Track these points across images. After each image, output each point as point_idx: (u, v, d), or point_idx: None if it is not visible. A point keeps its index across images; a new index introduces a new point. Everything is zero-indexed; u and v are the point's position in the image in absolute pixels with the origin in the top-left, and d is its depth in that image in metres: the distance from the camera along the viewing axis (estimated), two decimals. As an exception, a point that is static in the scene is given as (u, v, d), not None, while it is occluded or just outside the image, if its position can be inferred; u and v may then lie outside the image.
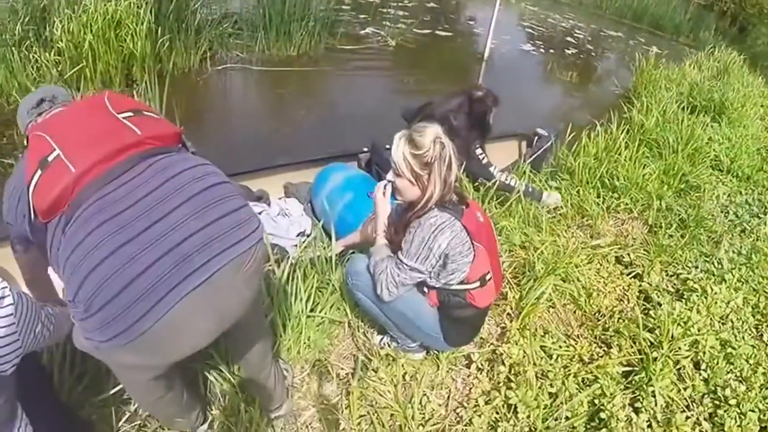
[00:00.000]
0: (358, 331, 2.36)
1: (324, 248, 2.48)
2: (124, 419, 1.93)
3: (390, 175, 1.92)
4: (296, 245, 2.78)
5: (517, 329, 2.46)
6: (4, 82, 4.75)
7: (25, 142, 1.41)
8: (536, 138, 4.09)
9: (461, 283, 1.92)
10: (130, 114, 1.38)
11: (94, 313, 1.16)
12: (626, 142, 4.29)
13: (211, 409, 1.98)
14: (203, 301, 1.24)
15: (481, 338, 2.43)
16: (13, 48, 4.97)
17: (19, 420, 1.31)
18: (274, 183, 3.44)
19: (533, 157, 3.87)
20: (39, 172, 1.25)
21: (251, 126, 5.38)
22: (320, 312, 2.34)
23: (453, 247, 1.82)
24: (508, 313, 2.64)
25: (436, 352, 2.29)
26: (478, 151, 3.29)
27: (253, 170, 3.36)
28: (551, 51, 8.98)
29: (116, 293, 1.15)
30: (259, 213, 2.94)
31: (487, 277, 1.97)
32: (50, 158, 1.25)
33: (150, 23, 5.51)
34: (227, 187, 1.36)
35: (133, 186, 1.27)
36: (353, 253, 2.49)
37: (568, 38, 9.93)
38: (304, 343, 2.24)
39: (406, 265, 1.86)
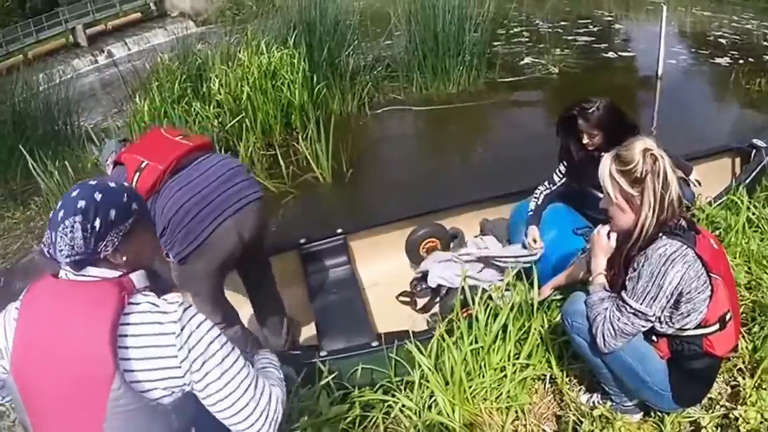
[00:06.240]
0: (564, 386, 2.22)
1: (525, 292, 2.39)
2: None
3: (601, 203, 1.81)
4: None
5: (753, 388, 2.14)
6: (167, 135, 5.41)
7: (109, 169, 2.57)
8: (754, 152, 3.55)
9: (698, 326, 1.73)
10: (181, 136, 2.44)
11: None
12: None
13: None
14: (234, 223, 2.30)
15: (709, 398, 2.16)
16: (174, 104, 5.66)
17: None
18: (469, 220, 3.45)
19: (751, 176, 3.33)
20: (138, 174, 2.24)
21: (428, 165, 5.50)
22: (522, 362, 2.24)
23: (687, 282, 1.64)
24: (740, 368, 2.32)
25: (659, 413, 2.07)
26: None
27: (446, 208, 3.41)
28: (735, 58, 8.20)
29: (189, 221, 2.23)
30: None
31: (727, 317, 1.75)
32: (143, 165, 2.25)
33: (305, 72, 5.96)
34: (240, 169, 2.43)
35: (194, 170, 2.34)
36: (562, 296, 2.37)
37: (763, 42, 8.99)
38: (506, 397, 2.15)
39: (630, 307, 1.69)
